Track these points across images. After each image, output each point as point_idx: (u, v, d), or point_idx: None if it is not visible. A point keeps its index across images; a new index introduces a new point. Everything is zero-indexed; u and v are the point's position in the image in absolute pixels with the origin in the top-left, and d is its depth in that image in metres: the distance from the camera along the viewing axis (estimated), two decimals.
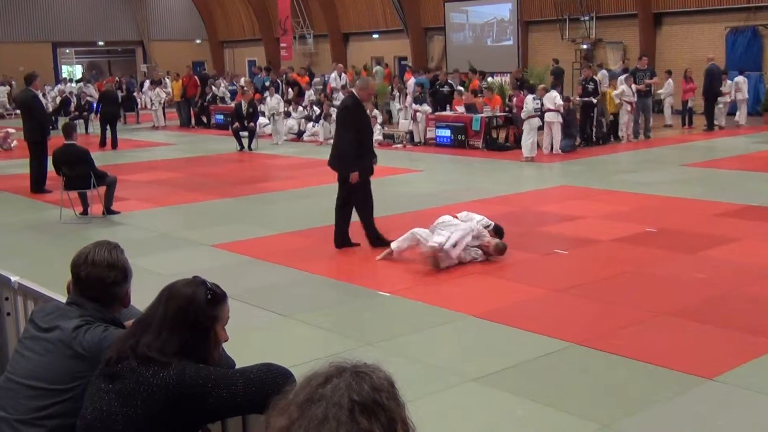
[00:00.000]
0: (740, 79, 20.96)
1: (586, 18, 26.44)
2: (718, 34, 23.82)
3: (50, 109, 25.19)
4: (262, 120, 21.27)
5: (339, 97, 21.98)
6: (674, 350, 5.84)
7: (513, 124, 18.41)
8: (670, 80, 21.01)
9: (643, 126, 19.21)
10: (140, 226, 10.86)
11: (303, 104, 23.08)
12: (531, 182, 14.21)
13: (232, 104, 22.54)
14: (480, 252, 8.36)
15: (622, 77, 19.11)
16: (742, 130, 20.36)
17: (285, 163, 17.42)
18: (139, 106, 29.27)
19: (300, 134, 21.62)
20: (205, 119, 25.65)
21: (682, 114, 21.31)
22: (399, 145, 19.28)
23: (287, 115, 21.87)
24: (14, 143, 20.48)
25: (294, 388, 1.63)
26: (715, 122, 20.33)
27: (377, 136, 17.69)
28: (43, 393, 2.75)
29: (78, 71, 41.66)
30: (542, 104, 16.55)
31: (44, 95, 25.32)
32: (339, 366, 1.62)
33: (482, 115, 18.29)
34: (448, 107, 19.84)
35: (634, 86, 18.61)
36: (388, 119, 22.97)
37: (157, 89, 26.38)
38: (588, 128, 18.28)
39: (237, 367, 2.64)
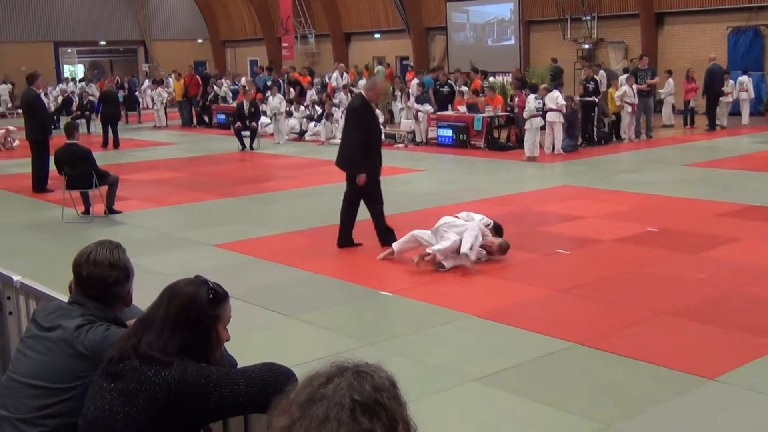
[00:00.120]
0: (745, 78, 20.94)
1: (588, 18, 26.43)
2: (720, 34, 23.81)
3: (52, 109, 25.20)
4: (263, 119, 21.28)
5: (340, 97, 22.03)
6: (675, 350, 5.84)
7: (515, 124, 18.41)
8: (670, 80, 21.00)
9: (645, 126, 19.21)
10: (142, 225, 10.87)
11: (305, 104, 23.09)
12: (532, 182, 14.21)
13: (234, 104, 22.56)
14: (484, 252, 8.36)
15: (623, 77, 19.12)
16: (744, 129, 20.34)
17: (287, 162, 17.43)
18: (141, 106, 29.31)
19: (302, 134, 21.63)
20: (206, 119, 25.67)
21: (684, 114, 21.30)
22: (401, 145, 19.29)
23: (289, 114, 21.88)
24: (16, 142, 20.49)
25: (296, 387, 1.63)
26: (717, 122, 20.32)
27: None
28: (45, 392, 2.75)
29: (80, 71, 41.70)
30: (544, 104, 16.55)
31: (46, 95, 25.34)
32: (340, 366, 1.62)
33: (484, 114, 18.29)
34: (449, 107, 19.84)
35: (635, 86, 18.60)
36: (390, 119, 22.97)
37: (159, 89, 26.40)
38: (589, 128, 18.28)
39: (239, 366, 2.64)
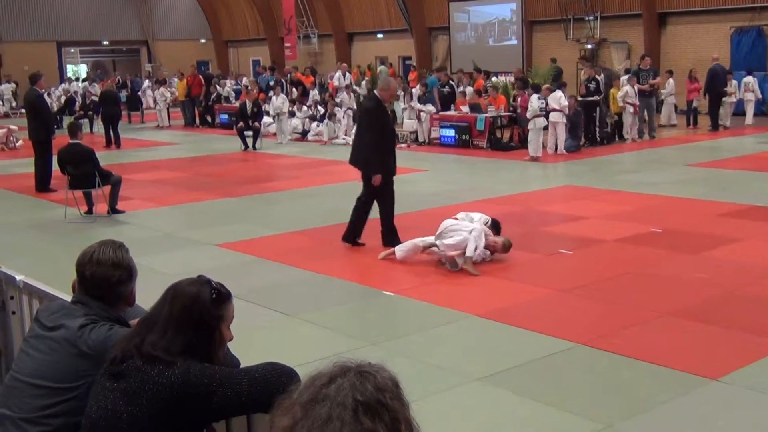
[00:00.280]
0: (750, 79, 20.90)
1: (591, 18, 26.40)
2: (723, 34, 23.79)
3: (55, 109, 25.24)
4: (266, 119, 21.28)
5: (342, 97, 22.02)
6: (678, 350, 5.84)
7: (517, 124, 18.41)
8: (670, 80, 20.98)
9: (648, 126, 19.19)
10: (145, 225, 10.88)
11: (307, 104, 23.10)
12: (535, 182, 14.20)
13: (237, 104, 22.56)
14: (488, 252, 8.36)
15: (625, 78, 19.09)
16: (748, 130, 20.30)
17: (289, 162, 17.43)
18: (144, 106, 29.33)
19: (304, 134, 21.63)
20: (209, 119, 25.68)
21: (686, 114, 21.27)
22: (403, 145, 19.24)
23: (291, 114, 21.89)
24: (19, 142, 20.52)
25: (298, 387, 1.64)
26: (720, 122, 20.29)
27: None
28: (48, 392, 2.76)
29: (83, 71, 41.74)
30: (547, 104, 16.54)
31: (49, 95, 25.36)
32: (343, 366, 1.62)
33: (486, 114, 18.29)
34: (451, 107, 19.84)
35: (637, 86, 18.58)
36: (393, 119, 22.95)
37: (162, 89, 26.42)
38: (592, 128, 18.27)
39: (242, 366, 2.64)
